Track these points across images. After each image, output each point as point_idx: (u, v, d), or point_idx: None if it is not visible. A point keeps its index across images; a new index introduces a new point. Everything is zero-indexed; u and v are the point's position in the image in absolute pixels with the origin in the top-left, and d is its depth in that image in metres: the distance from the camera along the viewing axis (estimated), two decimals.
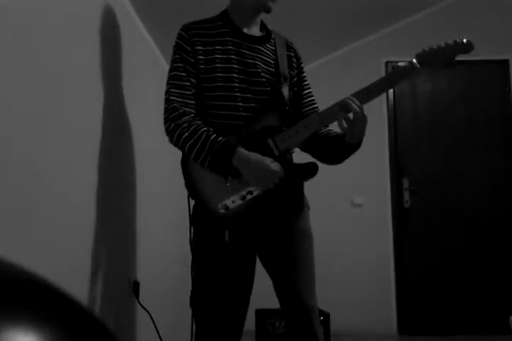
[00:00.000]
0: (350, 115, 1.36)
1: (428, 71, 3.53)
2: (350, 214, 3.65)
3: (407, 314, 3.53)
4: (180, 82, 1.45)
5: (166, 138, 1.46)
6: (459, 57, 1.37)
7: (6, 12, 0.99)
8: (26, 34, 1.07)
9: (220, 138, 1.37)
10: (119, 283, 1.69)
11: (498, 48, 3.71)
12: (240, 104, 1.45)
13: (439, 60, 1.36)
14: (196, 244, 1.47)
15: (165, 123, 1.44)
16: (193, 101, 1.45)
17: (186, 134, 1.39)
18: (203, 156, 1.36)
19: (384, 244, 3.61)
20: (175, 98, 1.43)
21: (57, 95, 1.22)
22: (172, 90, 1.45)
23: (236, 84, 1.46)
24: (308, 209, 1.57)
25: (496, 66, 3.73)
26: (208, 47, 1.47)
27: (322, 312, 2.87)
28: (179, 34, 1.50)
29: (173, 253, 2.54)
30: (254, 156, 1.35)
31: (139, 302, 1.84)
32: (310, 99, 1.65)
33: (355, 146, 1.46)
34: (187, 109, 1.43)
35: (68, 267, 1.25)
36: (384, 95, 3.61)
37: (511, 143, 3.66)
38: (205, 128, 1.40)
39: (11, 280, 0.34)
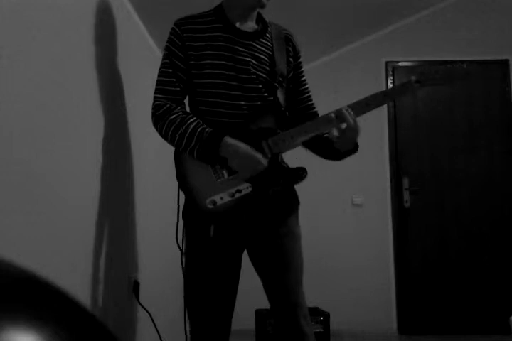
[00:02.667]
0: (343, 125, 1.37)
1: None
2: (350, 214, 3.65)
3: (407, 314, 3.53)
4: (166, 79, 1.47)
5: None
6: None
7: (4, 11, 0.98)
8: (24, 32, 1.07)
9: (208, 129, 1.39)
10: (119, 283, 1.69)
11: (498, 48, 3.71)
12: (228, 101, 1.44)
13: (436, 80, 1.44)
14: (186, 237, 1.49)
15: (152, 119, 1.47)
16: (179, 97, 1.47)
17: (173, 127, 1.41)
18: (192, 145, 1.38)
19: (384, 243, 3.61)
20: (159, 95, 1.46)
21: (56, 94, 1.22)
22: (157, 87, 1.48)
23: (225, 81, 1.44)
24: (298, 203, 1.56)
25: (496, 66, 3.73)
26: (200, 43, 1.46)
27: (322, 312, 2.87)
28: (172, 29, 1.50)
29: (174, 253, 2.54)
30: (244, 146, 1.37)
31: (139, 302, 1.84)
32: (307, 95, 1.63)
33: (348, 152, 1.49)
34: (172, 104, 1.45)
35: (68, 267, 1.25)
36: None
37: (511, 142, 3.67)
38: (191, 120, 1.41)
39: (11, 280, 0.34)
